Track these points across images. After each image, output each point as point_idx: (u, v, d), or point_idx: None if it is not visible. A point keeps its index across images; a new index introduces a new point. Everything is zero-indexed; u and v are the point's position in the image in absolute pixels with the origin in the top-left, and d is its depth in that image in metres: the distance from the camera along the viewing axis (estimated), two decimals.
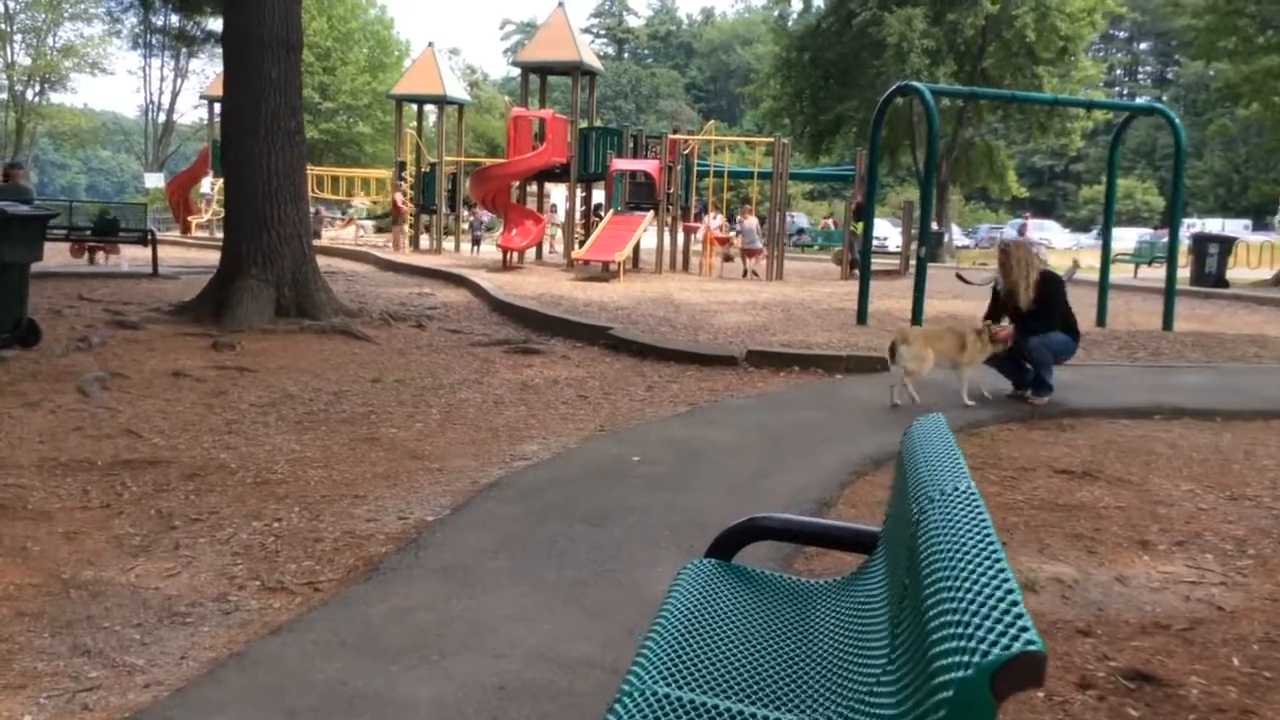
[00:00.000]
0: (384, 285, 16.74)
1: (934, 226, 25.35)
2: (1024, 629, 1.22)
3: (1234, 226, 46.43)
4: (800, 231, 37.76)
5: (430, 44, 27.20)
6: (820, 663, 2.30)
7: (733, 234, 22.72)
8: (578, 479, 5.26)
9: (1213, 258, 20.58)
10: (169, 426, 6.39)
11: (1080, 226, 66.40)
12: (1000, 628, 1.24)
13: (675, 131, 23.46)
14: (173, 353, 8.99)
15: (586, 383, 8.43)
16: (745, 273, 21.40)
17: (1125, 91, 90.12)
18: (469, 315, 12.89)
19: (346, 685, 3.05)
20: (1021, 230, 45.49)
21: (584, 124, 22.68)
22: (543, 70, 23.91)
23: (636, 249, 20.53)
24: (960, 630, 1.30)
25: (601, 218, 21.76)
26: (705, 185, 23.15)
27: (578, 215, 23.01)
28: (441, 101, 26.41)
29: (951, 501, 1.88)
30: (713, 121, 28.68)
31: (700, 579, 2.72)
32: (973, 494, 1.89)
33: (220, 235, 28.63)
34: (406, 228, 26.22)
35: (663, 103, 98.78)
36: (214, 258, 20.09)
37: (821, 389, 8.12)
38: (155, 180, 42.44)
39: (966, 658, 1.22)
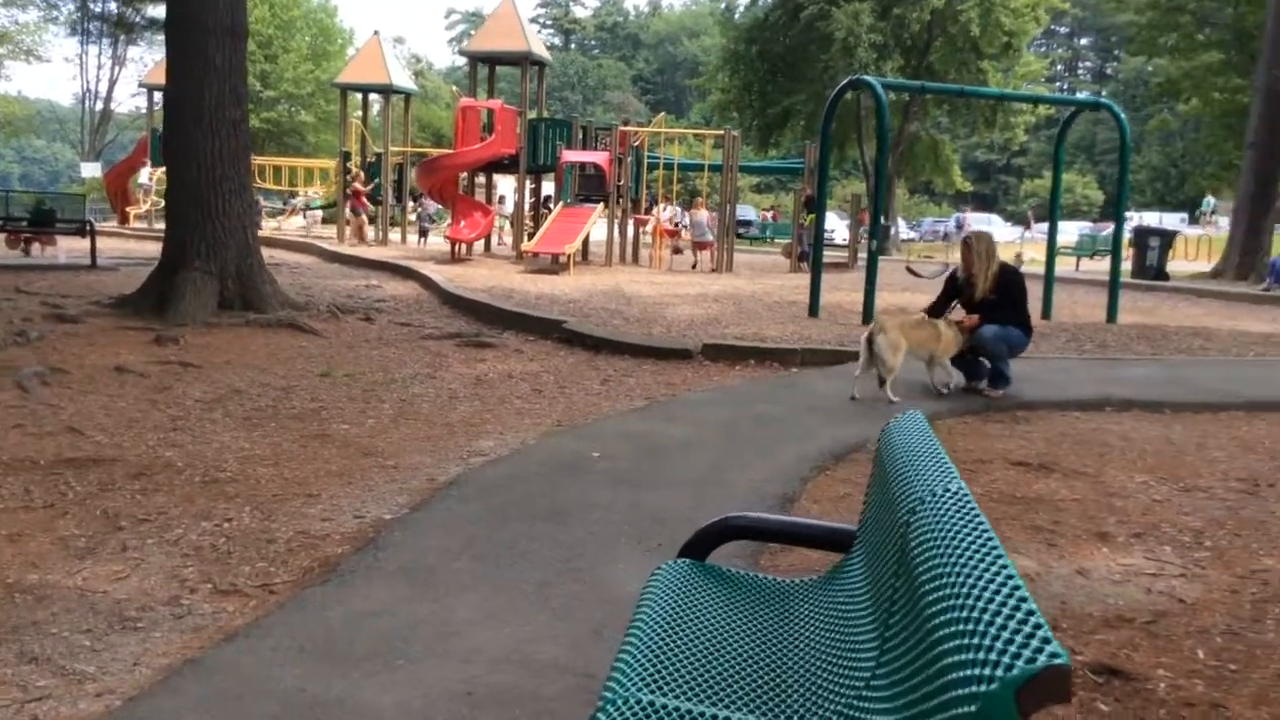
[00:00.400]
0: (330, 277, 16.50)
1: (881, 219, 25.45)
2: (1045, 640, 1.18)
3: (1171, 220, 47.27)
4: (747, 224, 37.87)
5: (376, 32, 26.82)
6: (804, 664, 2.25)
7: (682, 226, 22.71)
8: (537, 475, 5.18)
9: (1154, 251, 20.90)
10: (112, 424, 6.21)
11: (1023, 220, 67.23)
12: (1020, 639, 1.20)
13: (625, 124, 23.35)
14: (114, 347, 8.77)
15: (541, 377, 8.34)
16: (695, 265, 21.41)
17: (1065, 86, 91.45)
18: (419, 308, 12.73)
19: (307, 693, 2.96)
20: (960, 225, 46.07)
21: (533, 115, 22.51)
22: (491, 60, 23.69)
23: (586, 241, 20.43)
24: (975, 642, 1.25)
25: (551, 210, 21.62)
26: (655, 178, 23.10)
27: (527, 207, 22.85)
28: (387, 91, 26.06)
29: (944, 503, 1.83)
30: (663, 114, 28.59)
31: (675, 580, 2.66)
32: (965, 496, 1.85)
33: (160, 226, 28.12)
34: (366, 219, 25.85)
35: (610, 94, 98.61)
36: (154, 249, 19.69)
37: (778, 382, 8.10)
38: (92, 170, 41.54)
39: (987, 670, 1.18)
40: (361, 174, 25.59)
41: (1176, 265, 23.06)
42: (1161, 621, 3.60)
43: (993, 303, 7.38)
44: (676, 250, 22.65)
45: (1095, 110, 14.76)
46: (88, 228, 17.26)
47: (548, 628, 3.45)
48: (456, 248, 20.69)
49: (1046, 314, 12.77)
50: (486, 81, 23.84)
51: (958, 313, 7.64)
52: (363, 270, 18.30)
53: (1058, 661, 1.13)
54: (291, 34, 54.72)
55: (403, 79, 26.96)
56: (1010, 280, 7.47)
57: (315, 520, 4.61)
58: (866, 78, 12.94)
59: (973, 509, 1.75)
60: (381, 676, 3.06)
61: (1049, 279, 13.40)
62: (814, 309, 12.29)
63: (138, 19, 24.11)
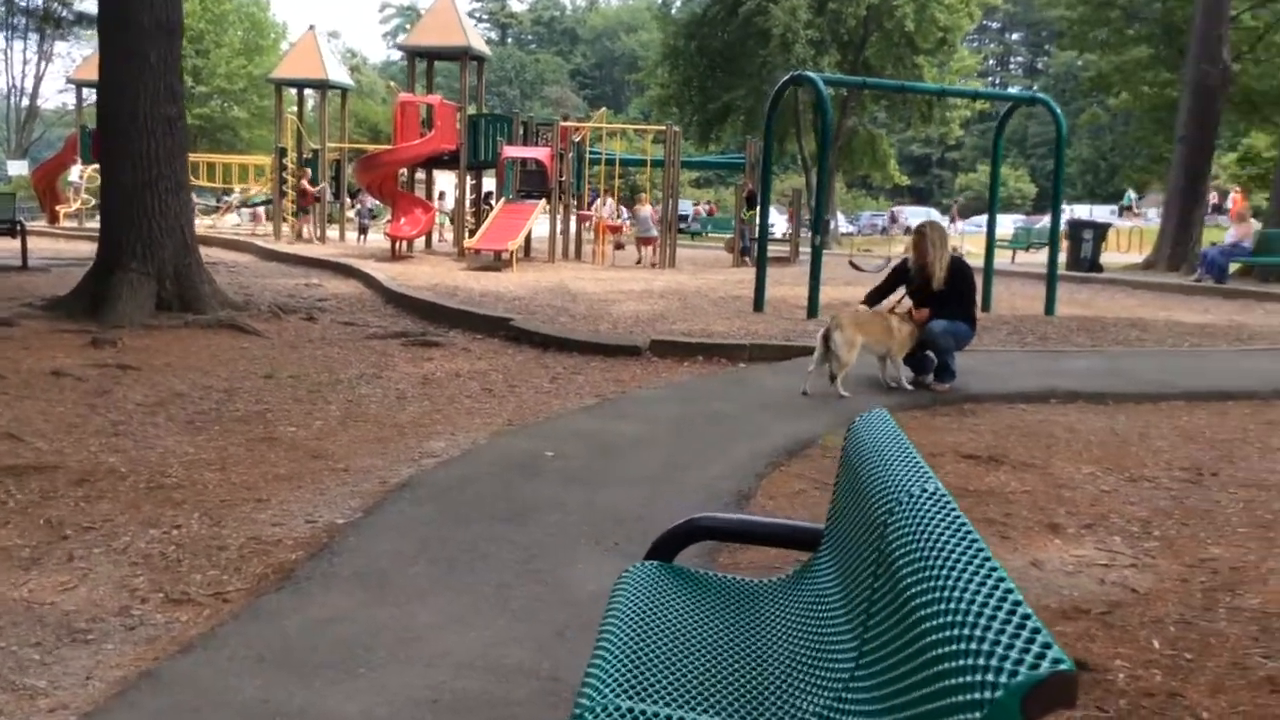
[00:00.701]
0: (269, 276, 16.25)
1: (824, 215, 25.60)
2: (1046, 646, 1.18)
3: (1101, 213, 48.11)
4: (684, 218, 37.96)
5: (311, 27, 26.48)
6: (780, 666, 2.25)
7: (625, 221, 22.70)
8: (491, 476, 5.14)
9: (1088, 243, 21.26)
10: (51, 429, 6.05)
11: (949, 214, 68.14)
12: (1020, 645, 1.20)
13: (566, 119, 23.28)
14: (50, 350, 8.55)
15: (490, 375, 8.28)
16: (639, 260, 21.40)
17: (998, 81, 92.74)
18: (362, 307, 12.58)
19: (269, 704, 2.90)
20: (893, 218, 46.59)
21: (473, 110, 22.35)
22: (429, 55, 23.46)
23: (528, 238, 20.34)
24: (974, 648, 1.25)
25: (492, 206, 21.50)
26: (596, 173, 23.05)
27: (468, 203, 22.69)
28: (324, 86, 25.74)
29: (922, 505, 1.84)
30: (604, 109, 28.55)
31: (644, 582, 2.65)
32: (944, 496, 1.85)
33: (91, 225, 27.52)
34: (312, 217, 25.52)
35: (547, 89, 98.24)
36: (86, 249, 19.25)
37: (728, 378, 8.12)
38: (19, 168, 40.57)
39: (990, 677, 1.17)
40: (308, 171, 25.27)
41: (1109, 257, 23.48)
42: (1117, 612, 3.66)
43: (944, 295, 7.43)
44: (619, 246, 22.63)
45: (1031, 105, 14.98)
46: (18, 227, 16.81)
47: (511, 630, 3.42)
48: (397, 245, 20.50)
49: (986, 306, 12.93)
50: (425, 76, 23.62)
51: (904, 304, 7.68)
52: (302, 269, 18.05)
53: (1062, 667, 1.13)
54: (223, 28, 53.84)
55: (339, 74, 26.66)
56: (961, 272, 7.54)
57: (266, 526, 4.53)
58: (808, 74, 13.00)
59: (954, 511, 1.75)
60: (344, 685, 3.02)
61: (988, 271, 13.57)
62: (759, 304, 12.34)
63: (66, 14, 23.50)
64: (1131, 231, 31.77)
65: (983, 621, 1.29)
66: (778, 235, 30.36)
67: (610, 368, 8.66)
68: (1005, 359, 9.06)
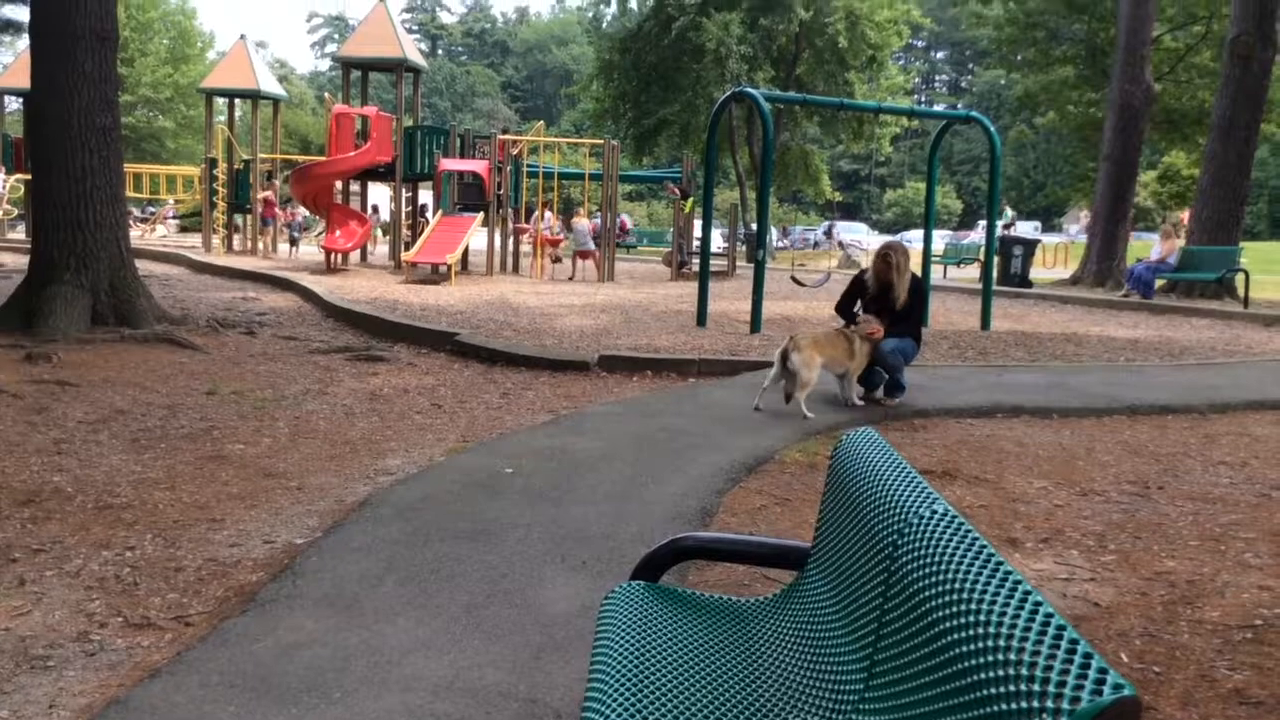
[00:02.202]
0: (204, 289, 15.95)
1: (753, 228, 25.80)
2: (1103, 671, 1.19)
3: (1024, 228, 49.15)
4: (625, 232, 38.01)
5: (242, 36, 26.11)
6: (781, 686, 2.25)
7: (564, 235, 22.65)
8: (452, 494, 5.09)
9: (1018, 258, 21.68)
10: None
11: (885, 228, 69.20)
12: (1075, 671, 1.21)
13: (505, 131, 23.18)
14: None
15: (438, 391, 8.21)
16: (572, 276, 21.33)
17: (923, 99, 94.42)
18: (301, 321, 12.40)
19: None
20: (828, 232, 47.12)
21: (409, 122, 22.18)
22: (365, 66, 23.26)
23: (466, 252, 20.21)
24: (1023, 674, 1.26)
25: (428, 219, 21.34)
26: (534, 186, 22.99)
27: (403, 216, 22.49)
28: (255, 96, 25.36)
29: (935, 528, 1.85)
30: (540, 122, 28.49)
31: (631, 604, 2.63)
32: (955, 518, 1.87)
33: (12, 236, 26.80)
34: (277, 229, 25.23)
35: (479, 101, 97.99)
36: (9, 260, 18.76)
37: (679, 394, 8.12)
38: None
39: (1050, 705, 1.18)
40: (275, 184, 24.99)
41: (1037, 272, 23.98)
42: (1082, 626, 3.72)
43: (902, 313, 7.53)
44: (556, 259, 22.57)
45: (966, 124, 15.25)
46: None
47: (484, 652, 3.38)
48: (333, 258, 20.25)
49: (925, 322, 13.10)
50: (359, 86, 23.40)
51: (864, 320, 7.68)
52: (237, 281, 17.75)
53: (1126, 693, 1.14)
54: (149, 36, 52.93)
55: (270, 84, 26.31)
56: (918, 291, 7.63)
57: (223, 546, 4.44)
58: (749, 90, 13.11)
59: (971, 534, 1.76)
60: (321, 710, 2.96)
61: (925, 287, 13.75)
62: (701, 319, 12.39)
63: None
64: (1058, 247, 32.44)
65: (1029, 648, 1.30)
66: (715, 249, 30.55)
67: (560, 383, 8.63)
68: (949, 374, 9.19)
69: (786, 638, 2.48)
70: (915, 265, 8.53)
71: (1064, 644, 1.28)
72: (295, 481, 5.48)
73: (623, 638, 2.40)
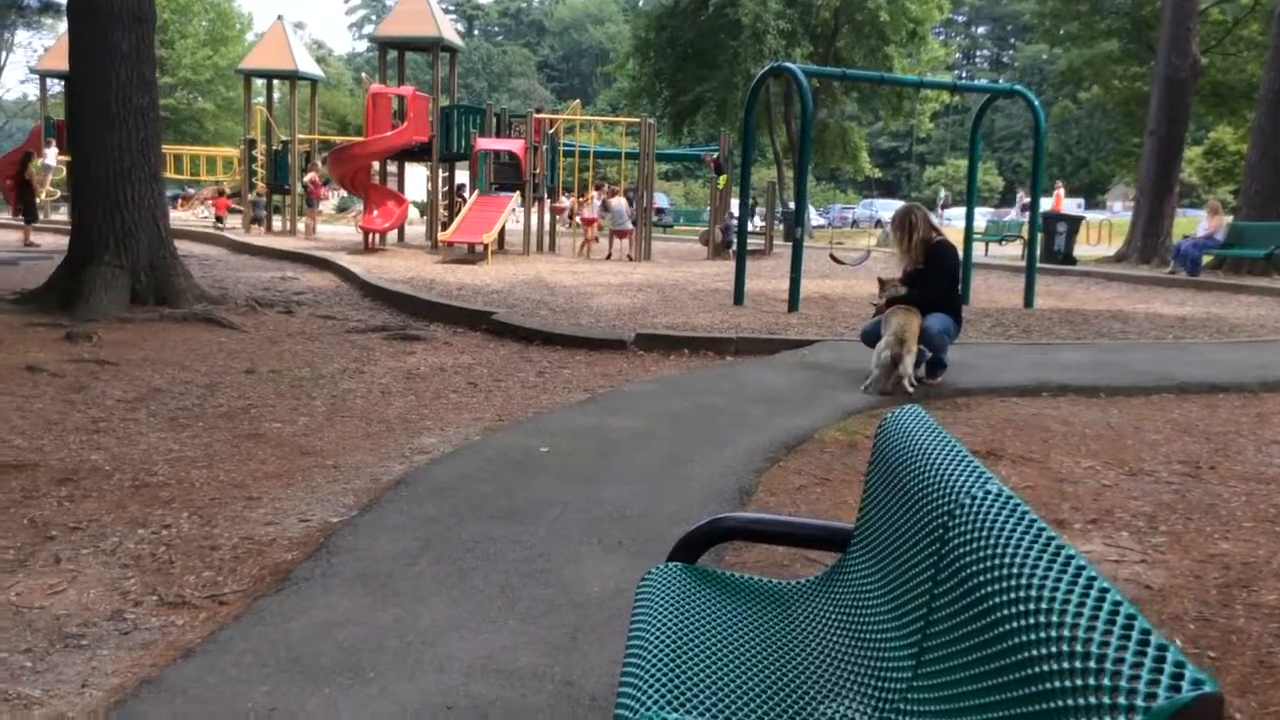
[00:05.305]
0: (242, 269, 16.03)
1: (792, 206, 25.56)
2: (1180, 665, 1.10)
3: (1068, 206, 48.45)
4: (661, 211, 37.87)
5: (280, 17, 26.16)
6: (824, 672, 2.17)
7: (602, 215, 22.53)
8: (488, 473, 5.04)
9: (1061, 236, 21.36)
10: (30, 426, 5.89)
11: (926, 206, 68.43)
12: (1150, 665, 1.12)
13: (540, 111, 23.10)
14: (23, 345, 8.35)
15: (474, 370, 8.17)
16: (609, 255, 21.22)
17: (964, 74, 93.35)
18: (339, 300, 12.42)
19: (278, 712, 2.79)
20: (877, 221, 46.62)
21: (445, 102, 22.15)
22: (401, 46, 23.23)
23: (502, 231, 20.19)
24: (1092, 666, 1.17)
25: (465, 199, 21.32)
26: (569, 165, 22.92)
27: (440, 196, 22.49)
28: (293, 77, 25.43)
29: (990, 509, 1.75)
30: (577, 101, 28.39)
31: (669, 585, 2.56)
32: (1010, 498, 1.77)
33: (56, 217, 27.07)
34: (320, 210, 25.40)
35: (515, 81, 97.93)
36: (54, 241, 18.93)
37: (718, 372, 8.03)
38: None
39: (1122, 701, 1.09)
40: (319, 165, 25.07)
41: (1080, 249, 23.60)
42: None
43: (920, 275, 7.35)
44: (594, 239, 22.50)
45: (1009, 98, 14.98)
46: None
47: (519, 633, 3.32)
48: (370, 237, 20.29)
49: (966, 299, 12.94)
50: (395, 67, 23.39)
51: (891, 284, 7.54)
52: (276, 261, 17.82)
53: (1207, 689, 1.05)
54: (188, 19, 53.26)
55: (308, 65, 26.36)
56: (936, 255, 7.39)
57: (258, 525, 4.41)
58: (788, 64, 12.93)
59: (1028, 515, 1.67)
60: (355, 691, 2.91)
61: (967, 264, 13.57)
62: (739, 297, 12.28)
63: (32, 2, 23.05)
64: (1102, 224, 31.95)
65: (1096, 639, 1.21)
66: (753, 228, 30.36)
67: (596, 362, 8.57)
68: (993, 352, 9.03)
69: (829, 621, 2.41)
70: (958, 241, 8.31)
71: (1135, 634, 1.19)
72: (331, 460, 5.46)
73: (659, 620, 2.33)
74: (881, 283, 7.60)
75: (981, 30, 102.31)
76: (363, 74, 34.42)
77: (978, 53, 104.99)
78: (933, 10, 37.47)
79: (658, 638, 2.23)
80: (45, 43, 43.48)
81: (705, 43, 37.49)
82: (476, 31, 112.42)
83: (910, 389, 7.07)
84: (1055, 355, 8.82)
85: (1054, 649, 1.27)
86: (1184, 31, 21.27)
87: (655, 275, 16.26)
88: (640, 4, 45.29)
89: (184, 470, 5.17)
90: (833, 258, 13.72)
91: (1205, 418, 6.79)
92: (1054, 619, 1.31)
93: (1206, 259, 18.93)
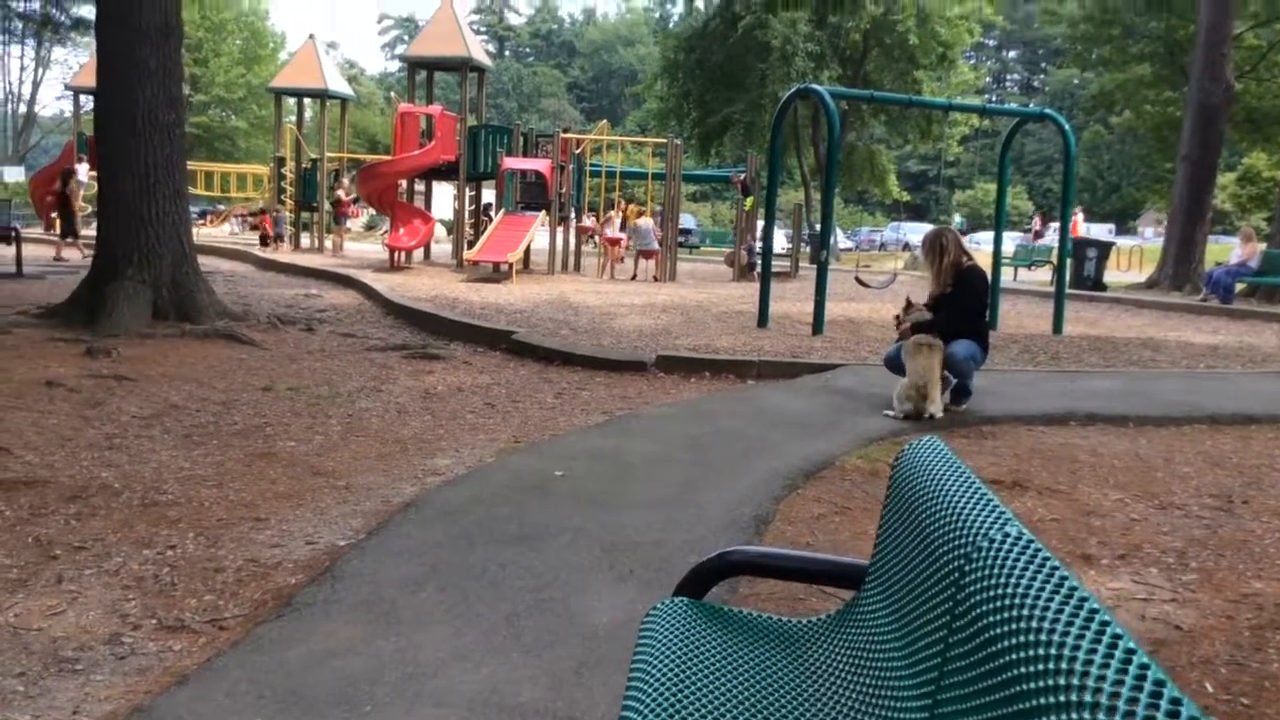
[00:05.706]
0: (267, 286, 16.07)
1: (818, 228, 25.42)
2: None
3: (1099, 231, 48.02)
4: (687, 232, 37.84)
5: (311, 36, 26.37)
6: (833, 717, 2.06)
7: (629, 235, 22.48)
8: (500, 497, 4.94)
9: (1091, 261, 21.14)
10: (43, 442, 5.85)
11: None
12: None
13: (567, 131, 23.12)
14: (43, 359, 8.34)
15: (492, 390, 8.09)
16: (634, 275, 21.14)
17: (994, 98, 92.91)
18: (361, 318, 12.39)
19: None
20: (905, 243, 46.37)
21: (473, 121, 22.20)
22: (430, 66, 23.34)
23: (527, 250, 20.17)
24: None
25: (491, 218, 21.34)
26: (596, 185, 22.90)
27: (467, 215, 22.52)
28: (323, 95, 25.59)
29: (1008, 554, 1.64)
30: (604, 121, 28.43)
31: (674, 621, 2.45)
32: (1030, 543, 1.66)
33: (86, 233, 27.27)
34: (348, 227, 25.52)
35: (545, 101, 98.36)
36: (74, 255, 19.03)
37: (738, 396, 7.92)
38: (15, 174, 40.36)
39: None
40: (345, 183, 25.20)
41: (1111, 275, 23.35)
42: (1163, 652, 3.47)
43: (947, 301, 7.23)
44: (619, 259, 22.45)
45: (1039, 121, 14.83)
46: (13, 234, 16.59)
47: (524, 666, 3.22)
48: (395, 255, 20.32)
49: (994, 324, 12.78)
50: (424, 87, 23.49)
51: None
52: (300, 279, 17.86)
53: None
54: (222, 37, 53.83)
55: (339, 84, 26.53)
56: (964, 280, 7.26)
57: (264, 547, 4.33)
58: (815, 86, 12.84)
59: (1050, 562, 1.56)
60: None
61: (995, 289, 13.40)
62: (763, 320, 12.18)
63: (64, 19, 23.35)
64: (1133, 250, 31.63)
65: (1121, 708, 1.10)
66: (778, 250, 30.27)
67: (616, 384, 8.47)
68: (1020, 379, 8.86)
69: (841, 663, 2.29)
70: (985, 266, 8.16)
71: (1164, 705, 1.08)
72: (343, 480, 5.38)
73: (661, 660, 2.23)
74: (909, 304, 7.47)
75: (1012, 54, 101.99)
76: (391, 93, 34.61)
77: (1008, 77, 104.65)
78: (963, 34, 37.35)
79: (658, 679, 2.13)
80: (80, 59, 44.01)
81: (734, 65, 37.52)
82: (508, 52, 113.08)
83: (936, 417, 6.94)
84: (1084, 383, 8.65)
85: (1074, 716, 1.16)
86: (1218, 56, 21.06)
87: (680, 296, 16.17)
88: (670, 25, 45.26)
89: (194, 489, 5.11)
90: (859, 280, 13.59)
91: (1238, 450, 6.61)
92: (1074, 681, 1.20)
93: (1239, 287, 18.65)
